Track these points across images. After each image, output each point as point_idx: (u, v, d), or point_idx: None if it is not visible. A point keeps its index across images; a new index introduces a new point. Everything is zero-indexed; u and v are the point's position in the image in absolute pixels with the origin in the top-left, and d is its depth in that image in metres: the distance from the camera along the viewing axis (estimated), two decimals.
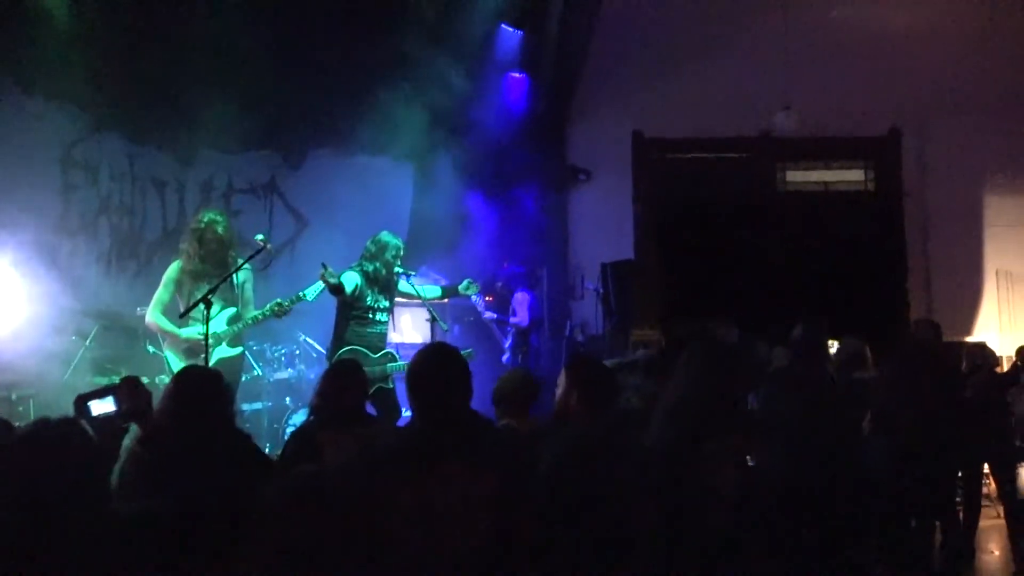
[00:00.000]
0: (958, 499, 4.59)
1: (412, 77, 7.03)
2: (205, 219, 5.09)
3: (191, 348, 4.96)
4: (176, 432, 2.63)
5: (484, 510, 2.06)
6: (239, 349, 5.19)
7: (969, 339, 7.61)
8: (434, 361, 2.35)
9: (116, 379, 4.46)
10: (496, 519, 2.06)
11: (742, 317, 7.29)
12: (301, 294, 4.95)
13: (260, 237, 4.87)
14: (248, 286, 5.21)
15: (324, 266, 4.87)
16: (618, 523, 2.31)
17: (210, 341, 4.68)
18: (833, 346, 4.67)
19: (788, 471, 2.95)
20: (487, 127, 7.48)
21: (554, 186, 8.25)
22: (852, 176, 8.96)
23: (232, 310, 5.09)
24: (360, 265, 5.21)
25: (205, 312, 4.47)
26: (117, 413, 2.65)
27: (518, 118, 7.76)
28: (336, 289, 4.94)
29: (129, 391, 2.70)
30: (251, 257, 4.90)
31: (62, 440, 1.65)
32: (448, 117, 7.26)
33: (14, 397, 4.69)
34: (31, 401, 4.87)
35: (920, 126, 8.60)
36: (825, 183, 8.92)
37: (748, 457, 2.63)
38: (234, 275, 4.99)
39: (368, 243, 5.26)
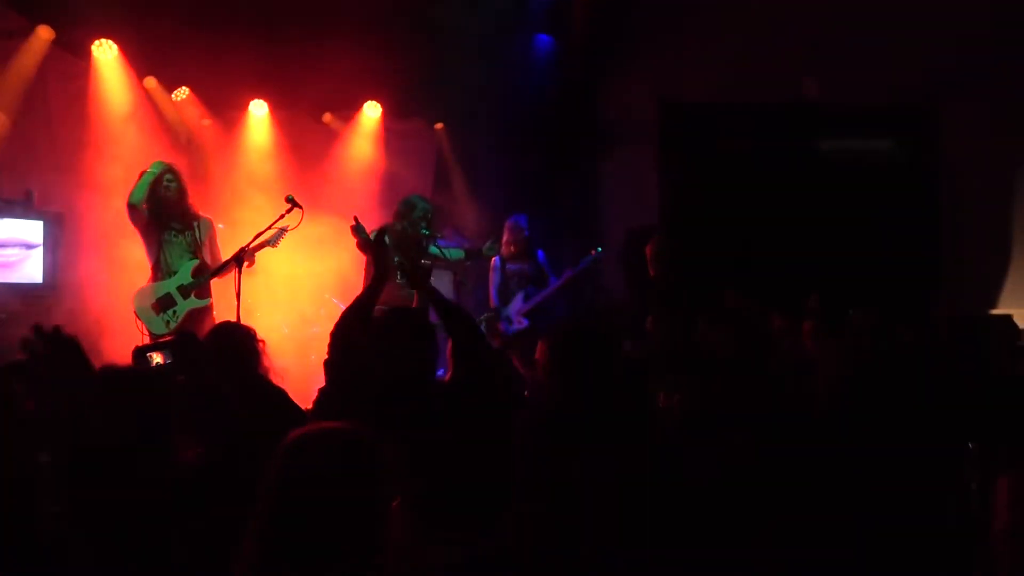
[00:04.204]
0: None
1: (441, 38, 6.97)
2: (153, 171, 5.13)
3: (160, 302, 5.06)
4: (216, 386, 2.72)
5: None
6: (206, 300, 5.23)
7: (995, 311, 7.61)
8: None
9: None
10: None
11: (760, 288, 7.24)
12: (263, 240, 4.97)
13: (290, 197, 4.93)
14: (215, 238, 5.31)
15: (356, 219, 5.01)
16: None
17: (175, 294, 4.81)
18: None
19: None
20: (516, 91, 7.41)
21: (581, 151, 8.19)
22: (885, 145, 8.80)
23: (195, 261, 5.15)
24: (390, 226, 5.34)
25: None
26: (172, 366, 2.76)
27: (548, 82, 7.68)
28: (365, 246, 5.06)
29: (183, 345, 2.83)
30: (282, 216, 4.98)
31: (134, 388, 1.74)
32: (477, 79, 7.20)
33: None
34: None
35: (960, 97, 8.39)
36: (856, 152, 8.77)
37: None
38: (196, 226, 5.09)
39: (399, 204, 5.39)
